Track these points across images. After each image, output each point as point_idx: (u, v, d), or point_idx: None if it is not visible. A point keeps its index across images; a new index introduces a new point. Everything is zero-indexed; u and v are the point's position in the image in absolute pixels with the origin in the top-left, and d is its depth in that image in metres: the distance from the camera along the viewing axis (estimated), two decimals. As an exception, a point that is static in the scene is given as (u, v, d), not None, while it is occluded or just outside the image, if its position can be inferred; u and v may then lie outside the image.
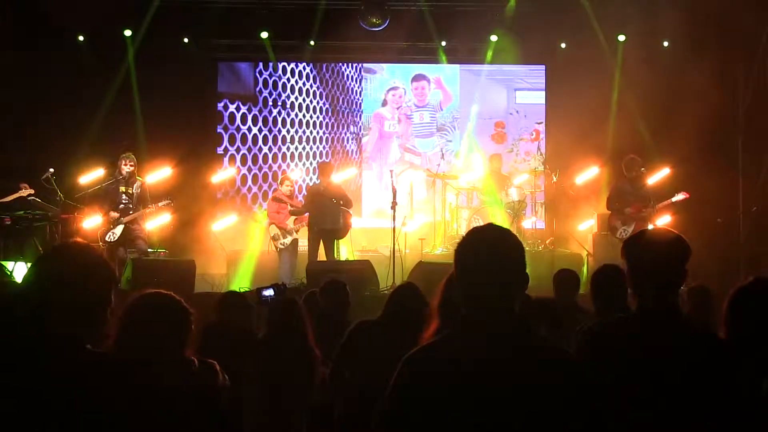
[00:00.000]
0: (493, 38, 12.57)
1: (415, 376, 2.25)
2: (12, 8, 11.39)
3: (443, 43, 12.77)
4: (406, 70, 13.73)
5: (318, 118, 13.65)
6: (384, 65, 13.66)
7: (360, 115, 13.76)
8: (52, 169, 10.05)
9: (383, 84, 13.78)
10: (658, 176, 10.65)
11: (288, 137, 13.49)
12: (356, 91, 13.77)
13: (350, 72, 13.74)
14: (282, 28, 12.55)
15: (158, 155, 11.00)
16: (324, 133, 13.66)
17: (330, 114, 13.68)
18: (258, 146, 13.41)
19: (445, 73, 13.68)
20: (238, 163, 13.25)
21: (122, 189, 9.81)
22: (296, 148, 13.54)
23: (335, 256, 10.47)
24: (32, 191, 10.23)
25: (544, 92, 13.53)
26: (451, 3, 12.42)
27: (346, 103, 13.72)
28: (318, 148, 13.65)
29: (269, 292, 5.45)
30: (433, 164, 12.63)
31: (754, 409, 2.61)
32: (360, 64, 13.66)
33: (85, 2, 10.57)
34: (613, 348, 2.67)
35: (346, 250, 11.09)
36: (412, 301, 4.59)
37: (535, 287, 2.40)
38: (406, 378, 2.26)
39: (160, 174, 10.64)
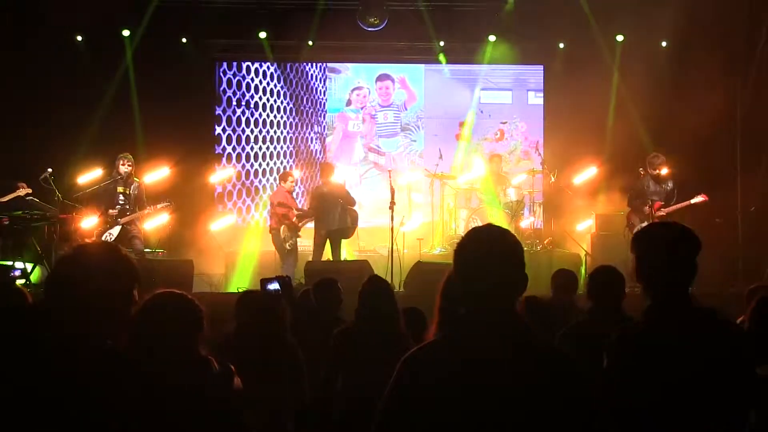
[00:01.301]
0: (492, 38, 12.59)
1: (414, 376, 2.25)
2: (11, 8, 11.38)
3: (441, 43, 12.78)
4: (370, 70, 13.71)
5: (282, 117, 13.60)
6: (349, 65, 13.64)
7: (324, 115, 13.73)
8: (50, 169, 10.03)
9: (347, 84, 13.75)
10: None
11: (252, 137, 13.39)
12: (320, 90, 13.74)
13: (314, 72, 13.70)
14: (280, 28, 12.56)
15: (156, 155, 10.99)
16: (288, 132, 13.61)
17: (294, 114, 13.62)
18: (221, 146, 13.31)
19: (409, 73, 13.68)
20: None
21: (120, 189, 9.80)
22: (260, 148, 13.46)
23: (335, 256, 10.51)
24: (30, 191, 10.22)
25: (509, 92, 13.56)
26: (449, 3, 12.43)
27: (310, 103, 13.69)
28: (282, 147, 13.59)
29: (274, 286, 5.37)
30: (399, 164, 12.74)
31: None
32: (324, 64, 13.61)
33: (83, 2, 10.57)
34: (643, 353, 2.66)
35: (345, 251, 11.10)
36: (379, 301, 4.69)
37: (533, 287, 2.39)
38: (406, 378, 2.26)
39: (158, 174, 10.64)
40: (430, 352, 2.30)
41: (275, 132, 13.57)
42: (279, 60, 13.36)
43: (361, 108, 13.70)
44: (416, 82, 13.71)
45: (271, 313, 4.64)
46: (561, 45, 12.80)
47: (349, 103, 13.73)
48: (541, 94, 13.52)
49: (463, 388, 2.18)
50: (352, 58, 13.52)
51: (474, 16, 12.46)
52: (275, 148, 13.57)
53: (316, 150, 13.69)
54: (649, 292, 2.76)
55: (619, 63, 12.32)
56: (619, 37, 12.35)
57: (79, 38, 12.16)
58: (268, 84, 13.52)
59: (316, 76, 13.71)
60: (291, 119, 13.62)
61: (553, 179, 11.67)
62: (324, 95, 13.73)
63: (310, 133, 13.69)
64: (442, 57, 12.99)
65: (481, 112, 13.61)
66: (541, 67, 13.45)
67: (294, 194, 11.17)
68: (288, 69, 13.54)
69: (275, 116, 13.57)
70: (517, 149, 13.40)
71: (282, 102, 13.57)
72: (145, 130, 12.09)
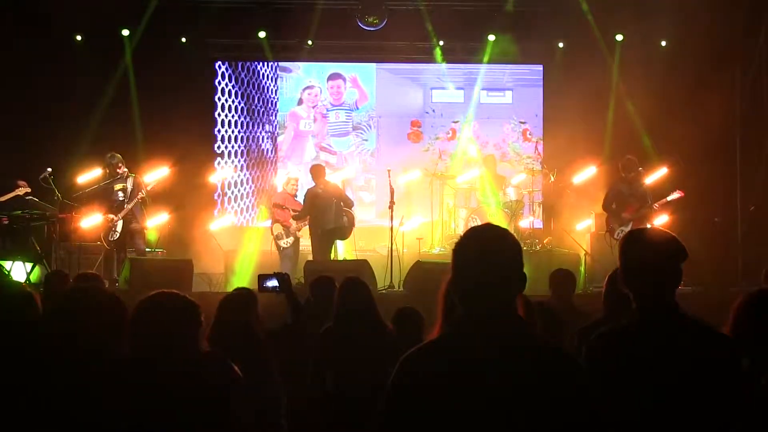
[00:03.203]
0: (491, 38, 12.59)
1: (413, 376, 2.25)
2: (11, 8, 11.39)
3: (441, 43, 12.78)
4: (321, 69, 13.63)
5: (233, 116, 13.47)
6: (300, 63, 13.54)
7: (275, 114, 13.62)
8: (49, 169, 10.05)
9: (299, 83, 13.66)
10: (656, 176, 10.66)
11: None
12: (272, 89, 13.63)
13: (266, 71, 13.59)
14: (280, 27, 12.57)
15: (156, 155, 11.00)
16: (239, 131, 13.47)
17: (245, 113, 13.50)
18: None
19: (361, 72, 13.64)
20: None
21: (118, 187, 9.96)
22: (211, 147, 13.32)
23: (334, 255, 10.51)
24: (29, 190, 10.26)
25: (461, 91, 13.51)
26: (449, 3, 12.42)
27: (261, 102, 13.57)
28: (233, 147, 13.46)
29: (273, 283, 5.37)
30: (350, 163, 12.86)
31: (755, 406, 2.63)
32: (276, 63, 13.52)
33: (83, 2, 10.58)
34: (623, 353, 2.66)
35: (344, 250, 11.11)
36: (355, 300, 4.77)
37: (532, 287, 2.40)
38: (404, 378, 2.26)
39: (157, 174, 10.65)
40: (429, 352, 2.29)
41: (226, 131, 13.45)
42: (279, 60, 13.36)
43: (313, 107, 13.64)
44: (368, 82, 13.65)
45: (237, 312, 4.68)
46: (561, 45, 12.80)
47: (300, 102, 13.63)
48: (494, 93, 13.50)
49: (461, 388, 2.18)
50: (352, 57, 13.49)
51: (474, 15, 12.46)
52: (226, 147, 13.43)
53: (268, 149, 13.59)
54: (633, 298, 2.76)
55: (619, 63, 12.32)
56: (619, 37, 12.35)
57: (79, 38, 12.16)
58: (219, 83, 13.41)
59: (268, 75, 13.61)
60: (242, 118, 13.50)
61: (552, 179, 11.67)
62: (275, 94, 13.64)
63: (261, 132, 13.57)
64: (440, 57, 12.97)
65: (433, 111, 13.60)
66: (496, 67, 13.29)
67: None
68: (239, 68, 13.43)
69: (226, 115, 13.44)
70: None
71: (233, 101, 13.46)
72: (145, 129, 12.10)
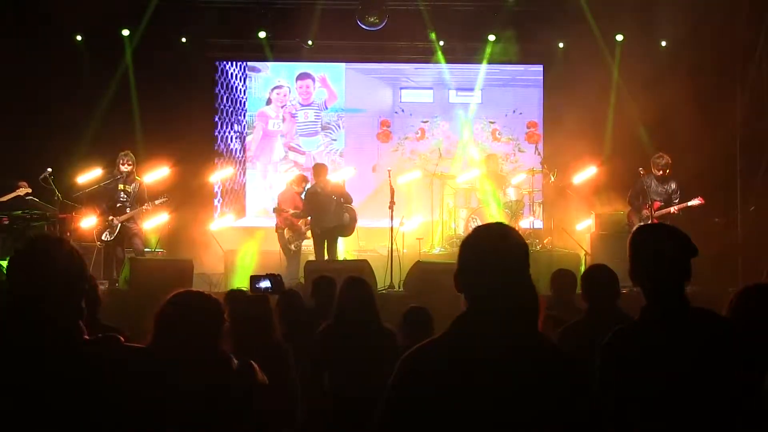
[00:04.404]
0: (491, 38, 12.59)
1: (414, 375, 2.24)
2: (12, 8, 11.39)
3: (441, 43, 12.77)
4: (290, 69, 13.58)
5: None
6: (268, 63, 13.48)
7: (244, 114, 13.58)
8: (50, 169, 10.06)
9: (268, 82, 13.62)
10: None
11: None
12: (240, 89, 13.59)
13: (234, 70, 13.55)
14: (280, 27, 12.58)
15: (156, 155, 11.01)
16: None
17: (214, 112, 13.44)
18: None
19: (330, 72, 13.59)
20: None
21: (121, 187, 9.96)
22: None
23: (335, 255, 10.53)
24: (30, 190, 10.26)
25: (430, 91, 13.50)
26: (449, 2, 12.42)
27: (230, 102, 13.52)
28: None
29: (265, 284, 5.39)
30: (325, 161, 12.84)
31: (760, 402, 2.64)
32: (245, 63, 13.48)
33: (83, 2, 10.58)
34: (641, 351, 2.65)
35: (344, 250, 11.11)
36: (357, 300, 4.76)
37: (532, 287, 2.42)
38: (405, 377, 2.26)
39: (157, 174, 10.67)
40: (430, 352, 2.29)
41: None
42: (279, 60, 13.35)
43: (282, 107, 13.59)
44: (337, 81, 13.62)
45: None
46: (561, 45, 12.80)
47: (269, 101, 13.59)
48: (463, 93, 13.49)
49: (462, 387, 2.18)
50: (352, 57, 13.47)
51: (473, 15, 12.46)
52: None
53: (236, 149, 13.53)
54: (644, 293, 2.76)
55: (619, 63, 12.32)
56: (619, 37, 12.35)
57: (79, 38, 12.17)
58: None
59: (237, 75, 13.56)
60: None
61: (552, 179, 11.67)
62: (244, 94, 13.60)
63: (230, 132, 13.51)
64: (440, 56, 12.97)
65: (402, 111, 13.57)
66: (465, 66, 13.27)
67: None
68: (210, 67, 13.32)
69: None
70: (438, 148, 13.33)
71: None
72: (145, 129, 12.11)
